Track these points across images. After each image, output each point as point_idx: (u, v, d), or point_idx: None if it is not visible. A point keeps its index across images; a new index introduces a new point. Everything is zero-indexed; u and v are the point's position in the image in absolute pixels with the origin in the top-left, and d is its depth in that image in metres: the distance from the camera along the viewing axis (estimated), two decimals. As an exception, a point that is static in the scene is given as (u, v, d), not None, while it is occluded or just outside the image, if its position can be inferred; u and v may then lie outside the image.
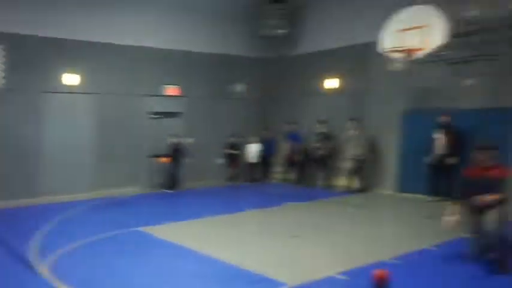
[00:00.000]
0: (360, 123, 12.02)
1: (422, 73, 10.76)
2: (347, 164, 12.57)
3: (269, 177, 14.76)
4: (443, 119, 10.22)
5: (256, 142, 14.26)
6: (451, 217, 5.58)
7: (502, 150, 9.65)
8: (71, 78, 11.46)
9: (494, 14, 9.63)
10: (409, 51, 9.13)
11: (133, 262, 6.09)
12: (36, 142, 11.14)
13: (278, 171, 14.81)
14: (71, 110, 11.66)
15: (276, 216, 9.33)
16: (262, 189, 13.13)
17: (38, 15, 10.86)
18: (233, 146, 14.27)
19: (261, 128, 14.85)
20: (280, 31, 14.16)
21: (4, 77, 10.57)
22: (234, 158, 14.31)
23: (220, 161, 14.20)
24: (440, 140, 10.20)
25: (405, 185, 11.50)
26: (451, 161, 9.96)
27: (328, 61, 13.32)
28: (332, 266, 5.70)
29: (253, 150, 14.20)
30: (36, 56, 10.96)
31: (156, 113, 12.99)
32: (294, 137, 13.72)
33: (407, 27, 9.28)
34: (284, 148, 13.99)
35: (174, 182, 12.74)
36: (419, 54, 9.10)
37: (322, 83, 13.53)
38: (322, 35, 13.64)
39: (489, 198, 5.44)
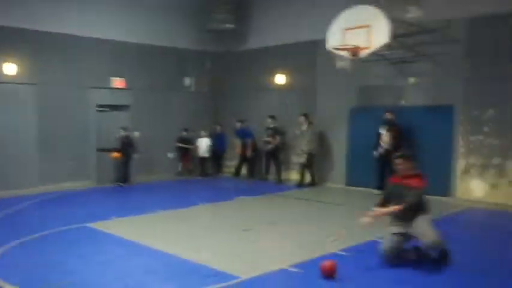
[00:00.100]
0: (311, 119, 12.25)
1: (368, 71, 11.14)
2: (298, 159, 12.79)
3: (221, 172, 14.79)
4: (387, 115, 10.60)
5: (206, 136, 14.24)
6: (366, 219, 5.70)
7: (440, 146, 10.30)
8: (10, 68, 10.94)
9: (433, 16, 10.10)
10: (353, 50, 9.38)
11: (82, 259, 5.94)
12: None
13: (230, 165, 14.86)
14: (11, 101, 11.13)
15: (229, 210, 9.37)
16: (214, 184, 13.13)
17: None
18: (185, 140, 14.17)
19: (212, 123, 14.84)
20: (227, 25, 14.14)
21: None
22: (186, 152, 14.23)
23: (172, 155, 14.08)
24: (385, 135, 10.58)
25: (354, 178, 11.85)
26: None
27: (277, 57, 13.47)
28: (284, 259, 5.80)
29: (203, 145, 14.17)
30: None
31: (103, 106, 12.66)
32: (243, 133, 13.80)
33: (352, 26, 9.54)
34: (235, 143, 14.05)
35: (125, 176, 12.51)
36: (364, 53, 9.38)
37: (272, 78, 13.66)
38: (271, 31, 13.76)
39: (384, 210, 5.62)
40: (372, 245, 6.49)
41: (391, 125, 10.55)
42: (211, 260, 5.86)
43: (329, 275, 5.08)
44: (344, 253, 6.06)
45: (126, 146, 12.43)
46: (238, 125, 13.87)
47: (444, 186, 10.28)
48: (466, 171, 9.99)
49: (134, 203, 10.31)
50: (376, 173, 10.94)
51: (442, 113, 10.34)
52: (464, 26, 9.95)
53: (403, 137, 10.49)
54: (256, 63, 14.10)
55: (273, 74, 13.65)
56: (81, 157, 12.24)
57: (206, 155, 14.26)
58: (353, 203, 9.99)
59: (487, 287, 5.02)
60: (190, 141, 14.24)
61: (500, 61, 9.49)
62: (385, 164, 10.71)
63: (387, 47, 9.49)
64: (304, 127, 12.14)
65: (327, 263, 5.17)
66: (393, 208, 5.58)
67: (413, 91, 10.85)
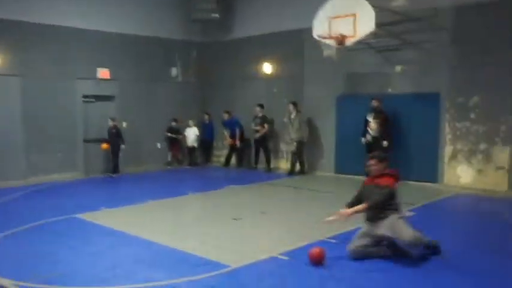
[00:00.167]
0: (299, 107, 12.25)
1: (355, 60, 11.16)
2: (288, 147, 12.82)
3: (210, 161, 14.80)
4: (374, 103, 10.64)
5: (194, 126, 14.21)
6: (331, 218, 5.64)
7: (427, 132, 10.38)
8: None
9: (419, 4, 10.12)
10: (339, 38, 9.38)
11: (71, 250, 5.92)
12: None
13: (218, 155, 14.87)
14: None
15: (218, 200, 9.38)
16: (204, 173, 13.12)
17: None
18: (174, 130, 14.13)
19: (200, 112, 14.80)
20: (212, 15, 14.01)
21: None
22: (175, 142, 14.20)
23: (160, 145, 14.05)
24: (372, 123, 10.62)
25: (343, 166, 11.91)
26: (385, 144, 10.42)
27: (264, 46, 13.40)
28: (274, 247, 5.83)
29: (191, 135, 14.14)
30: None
31: (88, 97, 12.53)
32: (231, 124, 13.80)
33: (338, 14, 9.51)
34: (224, 134, 14.04)
35: (115, 166, 12.49)
36: (350, 41, 9.38)
37: (259, 67, 13.61)
38: (256, 21, 13.68)
39: (349, 211, 5.46)
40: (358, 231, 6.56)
41: (378, 113, 10.59)
42: (201, 249, 5.87)
43: (317, 262, 5.12)
44: (333, 240, 6.11)
45: (115, 136, 12.37)
46: (225, 116, 13.85)
47: (432, 173, 10.38)
48: (453, 157, 10.09)
49: (123, 193, 10.28)
50: (366, 160, 10.98)
51: (429, 101, 10.40)
52: (451, 14, 9.97)
53: (390, 124, 10.55)
54: (243, 52, 14.03)
55: (260, 63, 13.60)
56: (68, 148, 12.14)
57: (194, 144, 14.24)
58: (343, 190, 10.02)
59: (467, 271, 5.09)
60: (179, 131, 14.20)
61: (486, 49, 9.54)
62: (373, 151, 10.77)
63: (373, 35, 9.50)
64: (293, 115, 12.15)
65: (315, 251, 5.21)
66: (358, 207, 5.45)
67: (400, 79, 10.90)
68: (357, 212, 5.45)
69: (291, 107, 12.16)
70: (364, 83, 11.45)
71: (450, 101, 10.11)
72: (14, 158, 11.21)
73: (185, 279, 4.83)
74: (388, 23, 9.88)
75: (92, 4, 12.36)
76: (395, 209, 5.44)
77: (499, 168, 9.47)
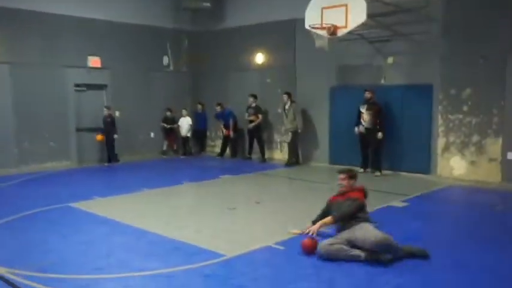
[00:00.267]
0: (293, 97, 12.23)
1: (347, 50, 11.16)
2: (284, 138, 12.82)
3: (204, 151, 14.79)
4: (367, 94, 10.64)
5: (187, 116, 14.17)
6: (295, 230, 5.81)
7: (420, 124, 10.41)
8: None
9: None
10: (331, 29, 9.36)
11: (64, 239, 5.91)
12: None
13: (212, 145, 14.86)
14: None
15: (213, 189, 9.38)
16: (198, 163, 13.10)
17: None
18: (169, 120, 14.10)
19: (193, 102, 14.77)
20: (203, 4, 13.92)
21: None
22: (170, 132, 14.19)
23: (153, 134, 14.02)
24: (365, 114, 10.63)
25: (337, 157, 11.93)
26: (379, 136, 10.45)
27: (256, 36, 13.33)
28: (269, 237, 5.84)
29: (185, 124, 14.11)
30: None
31: (80, 85, 12.43)
32: (223, 115, 13.76)
33: (330, 5, 9.50)
34: (217, 126, 14.03)
35: (113, 155, 12.49)
36: (342, 32, 9.38)
37: (252, 57, 13.55)
38: (248, 10, 13.59)
39: (315, 226, 5.42)
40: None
41: (371, 104, 10.60)
42: (195, 238, 5.87)
43: (310, 251, 5.14)
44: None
45: (110, 125, 12.34)
46: (217, 108, 13.81)
47: (425, 164, 10.44)
48: (446, 149, 10.14)
49: (118, 182, 10.25)
50: (359, 152, 11.04)
51: (422, 92, 10.42)
52: (442, 5, 9.97)
53: (383, 115, 10.57)
54: (234, 42, 13.95)
55: (252, 53, 13.54)
56: (61, 137, 12.07)
57: (188, 134, 14.21)
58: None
59: (459, 262, 5.14)
60: (174, 121, 14.16)
61: (478, 40, 9.54)
62: (366, 142, 10.83)
63: (365, 26, 9.51)
64: (287, 105, 12.12)
65: (307, 241, 5.24)
66: (325, 220, 5.41)
67: (393, 70, 10.89)
68: (324, 224, 5.42)
69: (285, 97, 12.13)
70: (357, 74, 11.43)
71: (443, 92, 10.13)
72: (6, 147, 11.14)
73: (180, 268, 4.84)
74: (380, 13, 9.90)
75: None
76: (365, 220, 5.29)
77: (491, 159, 9.54)
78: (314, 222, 5.70)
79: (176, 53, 14.58)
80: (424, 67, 10.36)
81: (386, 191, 8.91)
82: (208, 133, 14.97)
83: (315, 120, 12.40)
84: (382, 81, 11.01)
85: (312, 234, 5.37)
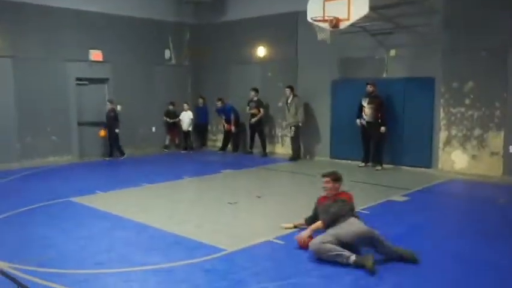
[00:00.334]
0: (295, 91, 12.19)
1: (349, 43, 11.10)
2: (284, 131, 12.79)
3: (205, 145, 14.78)
4: (369, 88, 10.59)
5: (189, 110, 14.14)
6: (287, 225, 5.83)
7: (422, 118, 10.37)
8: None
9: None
10: (334, 21, 9.32)
11: (65, 233, 5.92)
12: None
13: (214, 139, 14.85)
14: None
15: (214, 184, 9.38)
16: (199, 157, 13.09)
17: None
18: (171, 114, 14.09)
19: (194, 96, 14.74)
20: None
21: None
22: (173, 126, 14.18)
23: (155, 128, 14.03)
24: (367, 108, 10.59)
25: (338, 151, 11.91)
26: (383, 129, 10.42)
27: (258, 29, 13.27)
28: (270, 231, 5.84)
29: (186, 118, 14.08)
30: None
31: (82, 79, 12.41)
32: (224, 111, 13.73)
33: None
34: (219, 121, 14.01)
35: (111, 150, 12.51)
36: (344, 24, 9.33)
37: (254, 50, 13.50)
38: (250, 2, 13.53)
39: (307, 233, 5.22)
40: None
41: (372, 98, 10.56)
42: (196, 233, 5.88)
43: (306, 246, 5.13)
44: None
45: (113, 120, 12.35)
46: (218, 103, 13.77)
47: (426, 158, 10.41)
48: (448, 142, 10.11)
49: (119, 176, 10.26)
50: (360, 146, 11.02)
51: (424, 85, 10.38)
52: (444, -3, 9.93)
53: (384, 109, 10.54)
54: (236, 35, 13.89)
55: (253, 46, 13.49)
56: (63, 132, 12.07)
57: (189, 128, 14.19)
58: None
59: (459, 255, 5.14)
60: (176, 114, 14.15)
61: (480, 33, 9.49)
62: (368, 136, 10.80)
63: (367, 18, 9.46)
64: (290, 99, 12.06)
65: (302, 237, 5.24)
66: (316, 225, 5.27)
67: (394, 63, 10.84)
68: (315, 229, 5.22)
69: (287, 91, 12.08)
70: (359, 67, 11.38)
71: (445, 85, 10.09)
72: (8, 141, 11.14)
73: (181, 263, 4.85)
74: (382, 6, 9.82)
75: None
76: (354, 217, 5.20)
77: (493, 153, 9.50)
78: (306, 221, 5.67)
79: (178, 46, 14.53)
80: (426, 60, 10.31)
81: (388, 185, 8.90)
82: (209, 127, 14.95)
83: (317, 114, 12.36)
84: (384, 75, 10.97)
85: (303, 241, 5.20)
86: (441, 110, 10.17)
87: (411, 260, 4.76)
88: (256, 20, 13.28)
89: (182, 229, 6.02)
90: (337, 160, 11.84)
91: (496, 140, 9.46)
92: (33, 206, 7.25)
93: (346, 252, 4.69)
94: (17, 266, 4.74)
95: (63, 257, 5.07)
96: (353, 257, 4.61)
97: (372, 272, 4.44)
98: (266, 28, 13.10)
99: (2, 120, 11.03)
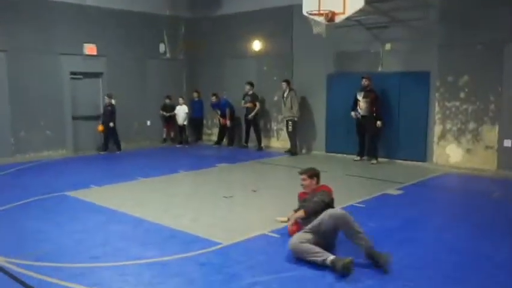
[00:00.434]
0: (291, 85, 12.17)
1: (344, 37, 11.11)
2: (279, 125, 12.78)
3: (200, 139, 14.77)
4: (364, 81, 10.59)
5: (184, 104, 14.11)
6: (282, 218, 5.81)
7: (417, 111, 10.39)
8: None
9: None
10: (329, 15, 9.31)
11: (61, 227, 5.91)
12: None
13: (209, 133, 14.84)
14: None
15: (210, 178, 9.37)
16: (195, 151, 13.08)
17: None
18: (167, 108, 14.06)
19: (189, 90, 14.71)
20: None
21: None
22: (170, 120, 14.15)
23: (149, 122, 14.01)
24: (362, 102, 10.60)
25: (333, 145, 11.92)
26: (379, 124, 10.44)
27: (254, 22, 13.23)
28: (265, 225, 5.86)
29: (181, 113, 14.05)
30: None
31: (76, 73, 12.35)
32: (219, 105, 13.70)
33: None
34: (214, 112, 13.99)
35: (106, 144, 12.50)
36: (339, 18, 9.32)
37: (249, 44, 13.46)
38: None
39: (290, 222, 5.30)
40: (351, 209, 6.62)
41: (368, 91, 10.57)
42: (192, 226, 5.89)
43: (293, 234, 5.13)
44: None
45: (110, 114, 12.31)
46: (213, 98, 13.73)
47: (421, 152, 10.45)
48: (443, 136, 10.14)
49: (114, 171, 10.23)
50: (355, 140, 11.04)
51: (419, 79, 10.40)
52: (439, -10, 9.93)
53: (379, 103, 10.55)
54: (231, 29, 13.84)
55: (249, 40, 13.45)
56: (57, 126, 12.02)
57: (185, 122, 14.16)
58: (334, 169, 10.09)
59: (454, 249, 5.17)
60: (173, 108, 14.12)
61: (475, 27, 9.50)
62: (363, 130, 10.81)
63: (362, 12, 9.46)
64: (286, 93, 12.04)
65: (292, 227, 5.26)
66: (297, 214, 5.22)
67: (390, 57, 10.84)
68: (298, 218, 5.21)
69: (284, 84, 12.04)
70: (354, 61, 11.38)
71: (440, 79, 10.11)
72: (2, 136, 11.08)
73: (176, 256, 4.85)
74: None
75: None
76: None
77: (488, 147, 9.55)
78: (296, 212, 5.60)
79: (173, 40, 14.48)
80: (421, 54, 10.33)
81: (382, 179, 8.93)
82: (204, 121, 14.93)
83: (312, 108, 12.36)
84: (379, 68, 10.98)
85: (289, 231, 5.26)
86: (436, 104, 10.19)
87: (381, 264, 4.43)
88: (252, 14, 13.23)
89: (177, 223, 6.03)
90: (332, 154, 11.86)
91: (490, 133, 9.50)
92: (27, 200, 7.23)
93: (324, 253, 4.56)
94: (12, 260, 4.73)
95: (58, 251, 5.06)
96: (331, 258, 4.48)
97: (347, 273, 4.29)
98: (261, 22, 13.06)
99: (-4, 114, 10.98)
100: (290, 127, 11.98)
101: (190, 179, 9.40)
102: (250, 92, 12.90)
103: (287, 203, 7.04)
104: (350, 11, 9.20)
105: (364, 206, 6.91)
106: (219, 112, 13.79)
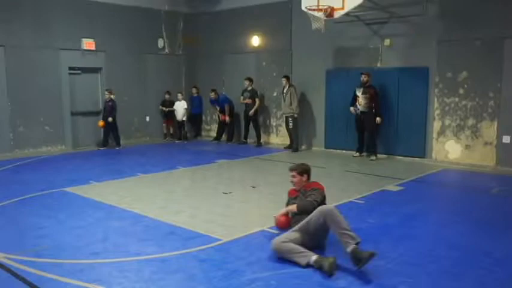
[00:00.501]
0: (291, 81, 12.15)
1: (343, 33, 11.10)
2: (278, 121, 12.77)
3: (199, 135, 14.75)
4: (363, 77, 10.58)
5: (183, 100, 14.08)
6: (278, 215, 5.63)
7: (416, 107, 10.38)
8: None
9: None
10: (328, 10, 9.29)
11: (61, 223, 5.91)
12: None
13: (208, 129, 14.82)
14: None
15: (209, 174, 9.37)
16: (194, 147, 13.07)
17: None
18: (167, 103, 14.05)
19: (188, 86, 14.68)
20: None
21: None
22: (170, 116, 14.14)
23: (148, 118, 13.99)
24: (361, 98, 10.59)
25: (333, 141, 11.93)
26: (378, 120, 10.43)
27: (252, 18, 13.21)
28: (264, 221, 5.85)
29: (180, 108, 14.03)
30: None
31: (75, 69, 12.31)
32: (218, 102, 13.68)
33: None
34: (213, 108, 13.97)
35: (106, 139, 12.53)
36: (338, 13, 9.31)
37: (247, 40, 13.44)
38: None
39: (281, 212, 5.28)
40: (350, 205, 6.64)
41: (367, 87, 10.55)
42: (191, 222, 5.89)
43: (284, 227, 5.22)
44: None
45: (111, 109, 12.30)
46: (212, 94, 13.70)
47: (420, 148, 10.46)
48: (442, 132, 10.15)
49: (113, 166, 10.21)
50: (355, 136, 11.04)
51: (418, 75, 10.39)
52: (439, -14, 9.91)
53: (379, 99, 10.54)
54: (230, 24, 13.80)
55: (248, 35, 13.43)
56: (55, 121, 12.00)
57: (184, 118, 14.14)
58: (333, 165, 10.10)
59: (453, 245, 5.19)
60: (173, 104, 14.10)
61: (475, 22, 9.49)
62: (362, 126, 10.81)
63: (361, 7, 9.45)
64: (285, 89, 12.01)
65: (280, 217, 5.31)
66: (290, 207, 5.18)
67: (389, 53, 10.83)
68: (290, 211, 5.18)
69: (283, 80, 12.01)
70: (353, 57, 11.37)
71: (439, 75, 10.10)
72: (1, 131, 11.07)
73: (176, 252, 4.85)
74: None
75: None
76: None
77: (487, 143, 9.56)
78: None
79: (171, 35, 14.44)
80: (420, 49, 10.32)
81: (382, 175, 8.94)
82: (203, 117, 14.92)
83: (311, 104, 12.35)
84: (378, 64, 10.97)
85: (277, 221, 5.31)
86: (435, 99, 10.19)
87: (361, 262, 4.22)
88: (251, 9, 13.20)
89: (177, 219, 6.03)
90: (331, 150, 11.87)
91: (489, 129, 9.51)
92: (27, 196, 7.23)
93: (308, 253, 4.49)
94: (12, 256, 4.73)
95: (58, 247, 5.06)
96: (314, 258, 4.41)
97: (330, 273, 4.22)
98: (260, 17, 13.03)
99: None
100: (291, 124, 11.93)
101: (189, 175, 9.39)
102: (249, 88, 12.87)
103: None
104: (349, 6, 9.20)
105: (363, 202, 6.92)
106: (218, 108, 13.77)
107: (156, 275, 4.32)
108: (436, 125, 10.22)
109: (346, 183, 8.38)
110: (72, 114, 12.32)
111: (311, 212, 4.78)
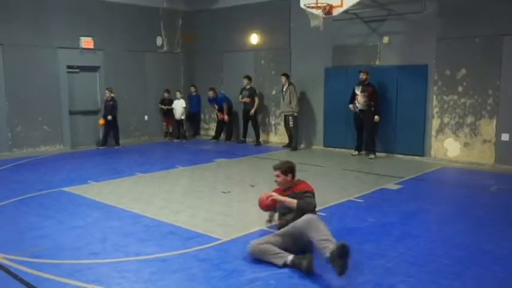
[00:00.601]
0: (290, 79, 12.12)
1: (342, 30, 11.07)
2: (277, 120, 12.74)
3: (198, 134, 14.73)
4: (362, 75, 10.56)
5: (181, 98, 14.05)
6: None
7: (414, 105, 10.37)
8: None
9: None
10: (327, 8, 9.27)
11: (60, 223, 5.89)
12: None
13: (206, 128, 14.80)
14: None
15: (208, 173, 9.35)
16: (193, 146, 13.05)
17: None
18: (166, 102, 14.02)
19: (186, 84, 14.65)
20: None
21: None
22: (167, 114, 14.11)
23: (147, 117, 13.96)
24: (360, 96, 10.57)
25: (331, 140, 11.91)
26: (376, 119, 10.42)
27: (251, 16, 13.18)
28: (263, 221, 5.82)
29: (179, 107, 14.00)
30: None
31: (73, 67, 12.27)
32: (216, 100, 13.65)
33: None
34: (212, 107, 13.94)
35: (105, 138, 12.49)
36: (337, 11, 9.29)
37: (247, 38, 13.40)
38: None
39: (280, 198, 5.05)
40: (349, 204, 6.63)
41: (365, 85, 10.54)
42: (191, 222, 5.88)
43: (266, 207, 5.28)
44: (323, 214, 6.14)
45: (112, 108, 12.27)
46: (210, 93, 13.67)
47: (419, 146, 10.45)
48: (441, 130, 10.14)
49: (112, 166, 10.19)
50: (353, 134, 11.03)
51: (417, 73, 10.38)
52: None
53: (377, 97, 10.53)
54: (229, 22, 13.77)
55: (246, 33, 13.39)
56: (54, 121, 11.96)
57: (182, 117, 14.12)
58: (332, 164, 10.09)
59: (452, 243, 5.18)
60: (172, 102, 14.08)
61: (474, 20, 9.48)
62: (361, 124, 10.80)
63: (360, 5, 9.43)
64: (285, 87, 11.97)
65: (268, 200, 5.20)
66: (290, 200, 4.95)
67: (388, 50, 10.82)
68: (288, 203, 4.94)
69: (283, 79, 11.94)
70: (352, 55, 11.35)
71: (438, 73, 10.09)
72: (-3, 131, 11.05)
73: (175, 252, 4.84)
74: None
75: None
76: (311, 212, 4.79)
77: (485, 141, 9.55)
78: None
79: (170, 33, 14.40)
80: (419, 47, 10.30)
81: (381, 174, 8.94)
82: (202, 116, 14.90)
83: (310, 102, 12.33)
84: (377, 62, 10.95)
85: (261, 201, 5.26)
86: (434, 97, 10.18)
87: (337, 269, 3.99)
88: (249, 7, 13.17)
89: (176, 219, 6.02)
90: (330, 148, 11.86)
91: (488, 127, 9.51)
92: (25, 196, 7.21)
93: (284, 253, 4.44)
94: (10, 256, 4.71)
95: (57, 247, 5.05)
96: (290, 257, 4.36)
97: (308, 272, 4.18)
98: (259, 15, 13.00)
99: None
100: (291, 122, 11.88)
101: (188, 175, 9.37)
102: (248, 86, 12.84)
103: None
104: (348, 3, 9.18)
105: (363, 201, 6.92)
106: (216, 107, 13.74)
107: (155, 275, 4.31)
108: (435, 123, 10.21)
109: (345, 182, 8.37)
110: (71, 113, 12.29)
111: (306, 213, 4.66)
